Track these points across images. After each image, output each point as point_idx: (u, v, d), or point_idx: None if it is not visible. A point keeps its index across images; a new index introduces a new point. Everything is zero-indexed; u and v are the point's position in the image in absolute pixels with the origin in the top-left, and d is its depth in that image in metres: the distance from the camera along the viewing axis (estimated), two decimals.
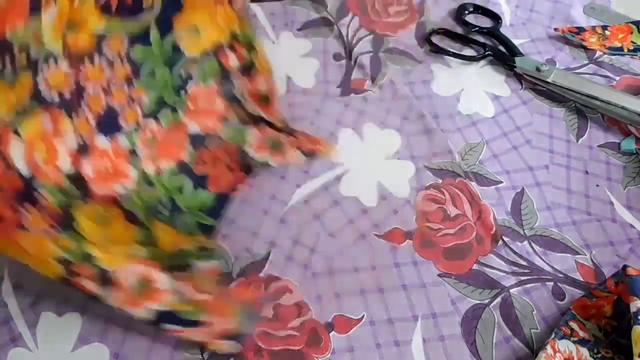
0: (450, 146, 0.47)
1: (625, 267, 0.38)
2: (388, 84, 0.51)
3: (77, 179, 0.36)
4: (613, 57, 0.54)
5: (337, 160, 0.45)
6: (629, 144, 0.49)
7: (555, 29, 0.56)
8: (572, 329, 0.38)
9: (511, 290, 0.41)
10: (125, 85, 0.38)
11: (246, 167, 0.43)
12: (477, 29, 0.56)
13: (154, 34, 0.40)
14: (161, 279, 0.35)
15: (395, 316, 0.39)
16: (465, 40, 0.55)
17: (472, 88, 0.52)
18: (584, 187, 0.47)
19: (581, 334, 0.38)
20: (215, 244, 0.40)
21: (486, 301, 0.40)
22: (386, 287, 0.41)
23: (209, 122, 0.41)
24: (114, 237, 0.36)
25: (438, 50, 0.54)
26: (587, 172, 0.47)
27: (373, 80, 0.51)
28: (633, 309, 0.35)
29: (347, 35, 0.54)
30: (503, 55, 0.53)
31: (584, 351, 0.37)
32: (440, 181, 0.46)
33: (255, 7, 0.54)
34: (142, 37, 0.40)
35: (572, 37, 0.55)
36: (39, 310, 0.38)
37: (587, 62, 0.54)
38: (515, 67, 0.52)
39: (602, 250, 0.43)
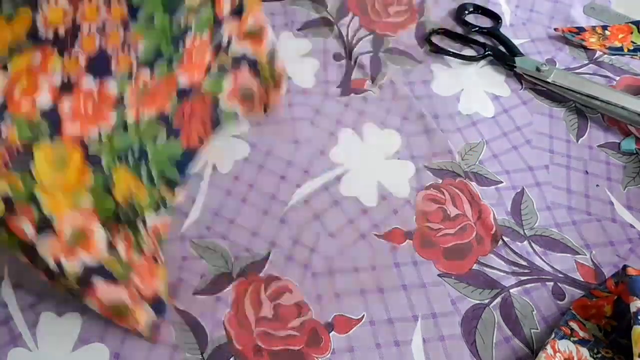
0: (450, 146, 0.47)
1: (625, 267, 0.38)
2: (388, 84, 0.51)
3: (52, 115, 0.35)
4: (613, 57, 0.54)
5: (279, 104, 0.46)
6: (629, 144, 0.49)
7: (555, 29, 0.56)
8: (572, 329, 0.38)
9: (511, 290, 0.41)
10: (122, 28, 0.37)
11: (216, 120, 0.42)
12: (477, 29, 0.56)
13: None
14: (98, 232, 0.35)
15: (395, 316, 0.39)
16: (465, 40, 0.55)
17: (472, 88, 0.52)
18: (584, 187, 0.47)
19: (581, 334, 0.38)
20: (174, 199, 0.40)
21: (486, 301, 0.40)
22: (386, 287, 0.41)
23: (197, 75, 0.41)
24: (65, 182, 0.35)
25: (438, 50, 0.54)
26: (587, 172, 0.47)
27: (373, 80, 0.51)
28: (633, 309, 0.35)
29: (347, 35, 0.54)
30: (503, 55, 0.53)
31: (584, 351, 0.37)
32: (440, 181, 0.46)
33: None
34: None
35: (572, 37, 0.55)
36: (39, 310, 0.38)
37: (587, 62, 0.54)
38: (515, 67, 0.52)
39: (602, 250, 0.43)
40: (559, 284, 0.42)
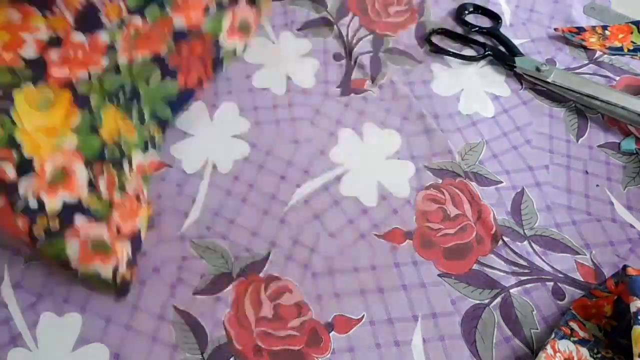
0: (450, 146, 0.47)
1: (625, 267, 0.38)
2: (388, 84, 0.51)
3: (38, 63, 0.35)
4: (613, 57, 0.54)
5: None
6: (629, 144, 0.49)
7: (555, 29, 0.56)
8: (572, 329, 0.38)
9: (511, 290, 0.41)
10: None
11: (216, 60, 0.42)
12: (477, 29, 0.55)
13: None
14: (79, 171, 0.35)
15: (395, 316, 0.39)
16: (465, 40, 0.55)
17: (472, 88, 0.52)
18: (584, 187, 0.47)
19: (581, 334, 0.38)
20: (163, 138, 0.40)
21: (486, 301, 0.40)
22: (386, 287, 0.41)
23: (194, 15, 0.41)
24: (50, 124, 0.36)
25: (438, 50, 0.54)
26: (587, 172, 0.47)
27: (373, 80, 0.51)
28: (633, 309, 0.35)
29: (347, 35, 0.54)
30: (503, 55, 0.53)
31: (584, 351, 0.37)
32: (440, 181, 0.46)
33: None
34: None
35: (572, 37, 0.55)
36: (39, 310, 0.38)
37: (587, 62, 0.54)
38: (515, 67, 0.52)
39: (602, 250, 0.43)
40: (559, 284, 0.42)
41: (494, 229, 0.43)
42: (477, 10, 0.57)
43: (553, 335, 0.37)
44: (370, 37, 0.54)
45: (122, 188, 0.37)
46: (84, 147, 0.36)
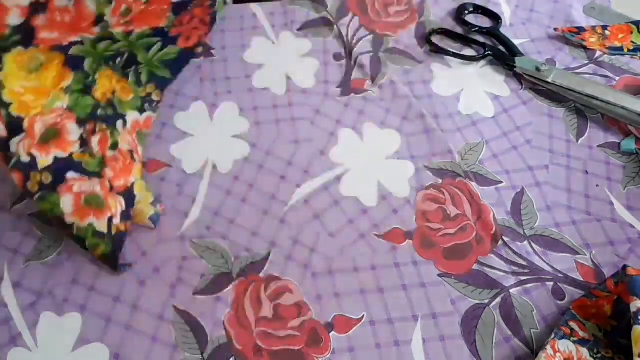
0: (450, 146, 0.47)
1: (625, 267, 0.38)
2: (388, 84, 0.51)
3: (24, 27, 0.36)
4: (613, 57, 0.54)
5: None
6: (629, 144, 0.49)
7: (555, 29, 0.56)
8: (572, 329, 0.38)
9: (511, 290, 0.41)
10: None
11: (212, 15, 0.43)
12: (477, 29, 0.55)
13: None
14: (71, 129, 0.36)
15: (395, 316, 0.39)
16: (465, 40, 0.55)
17: (472, 88, 0.52)
18: (584, 187, 0.47)
19: (581, 334, 0.38)
20: (161, 96, 0.41)
21: (486, 301, 0.40)
22: (386, 287, 0.41)
23: None
24: (41, 83, 0.36)
25: (438, 50, 0.54)
26: (587, 172, 0.47)
27: (373, 80, 0.51)
28: (633, 309, 0.35)
29: (347, 35, 0.54)
30: (503, 55, 0.53)
31: (584, 351, 0.37)
32: (440, 181, 0.46)
33: (255, 7, 0.54)
34: None
35: (572, 37, 0.55)
36: (39, 310, 0.38)
37: (587, 62, 0.54)
38: (515, 67, 0.52)
39: (602, 250, 0.43)
40: (559, 284, 0.42)
41: (494, 229, 0.43)
42: (477, 10, 0.57)
43: (553, 335, 0.37)
44: (370, 37, 0.54)
45: (115, 145, 0.38)
46: (75, 107, 0.37)
